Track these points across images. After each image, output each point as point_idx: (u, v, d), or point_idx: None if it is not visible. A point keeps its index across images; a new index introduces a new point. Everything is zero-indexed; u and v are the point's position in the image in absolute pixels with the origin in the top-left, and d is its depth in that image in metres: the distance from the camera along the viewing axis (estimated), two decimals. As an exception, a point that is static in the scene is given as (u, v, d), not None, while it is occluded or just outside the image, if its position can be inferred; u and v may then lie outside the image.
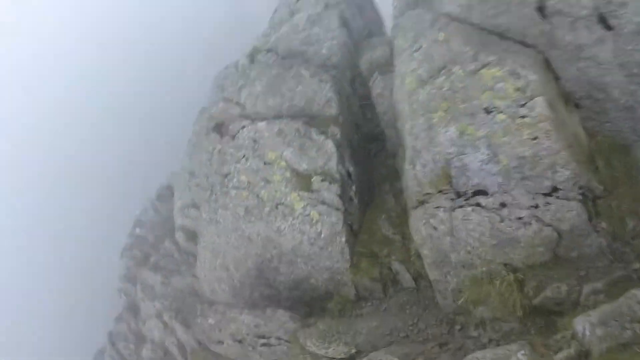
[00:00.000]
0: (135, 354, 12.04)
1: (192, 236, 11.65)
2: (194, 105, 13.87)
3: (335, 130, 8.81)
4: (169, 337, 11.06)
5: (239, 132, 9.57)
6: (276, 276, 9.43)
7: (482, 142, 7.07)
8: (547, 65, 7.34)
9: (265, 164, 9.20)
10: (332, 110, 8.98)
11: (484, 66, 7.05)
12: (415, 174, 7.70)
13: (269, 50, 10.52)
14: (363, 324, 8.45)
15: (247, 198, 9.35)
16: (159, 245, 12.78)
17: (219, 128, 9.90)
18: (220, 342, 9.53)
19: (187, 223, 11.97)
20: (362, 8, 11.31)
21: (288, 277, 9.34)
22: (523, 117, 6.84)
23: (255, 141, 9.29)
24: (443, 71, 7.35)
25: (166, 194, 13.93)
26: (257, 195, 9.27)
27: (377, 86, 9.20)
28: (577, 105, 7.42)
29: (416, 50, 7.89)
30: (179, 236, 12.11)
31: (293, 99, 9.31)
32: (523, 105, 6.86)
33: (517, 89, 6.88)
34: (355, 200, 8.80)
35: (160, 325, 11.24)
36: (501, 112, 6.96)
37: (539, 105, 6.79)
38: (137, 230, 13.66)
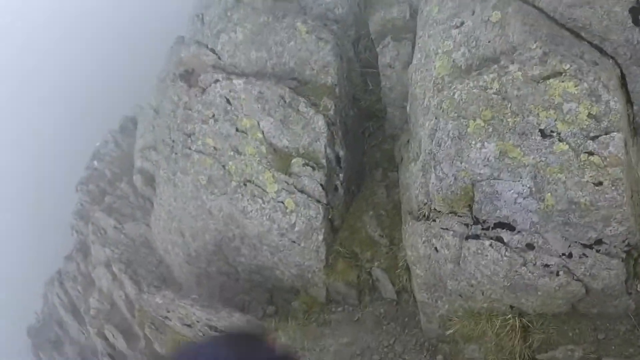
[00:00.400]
0: (83, 297, 9.68)
1: (151, 180, 9.00)
2: (172, 32, 10.60)
3: (329, 103, 6.08)
4: (117, 290, 8.73)
5: (210, 86, 6.72)
6: (236, 257, 7.06)
7: (527, 171, 4.60)
8: (622, 84, 4.69)
9: (237, 130, 6.49)
10: (329, 78, 6.20)
11: (555, 75, 4.38)
12: (426, 183, 5.20)
13: (259, -14, 7.37)
14: (332, 339, 6.22)
15: (212, 167, 6.70)
16: (115, 183, 10.11)
17: (188, 77, 7.04)
18: (168, 319, 7.15)
19: (146, 166, 9.23)
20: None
21: (250, 260, 6.98)
22: (590, 153, 4.40)
23: (228, 101, 6.49)
24: (494, 67, 4.60)
25: (129, 127, 11.03)
26: (224, 166, 6.63)
27: (387, 54, 6.38)
28: (643, 140, 4.92)
29: (456, 27, 5.10)
30: (137, 179, 9.40)
31: (282, 56, 6.46)
32: (594, 139, 4.34)
33: (592, 116, 4.28)
34: (341, 191, 6.28)
35: (109, 275, 8.87)
36: (563, 140, 4.39)
37: (615, 144, 4.33)
38: (95, 163, 10.84)
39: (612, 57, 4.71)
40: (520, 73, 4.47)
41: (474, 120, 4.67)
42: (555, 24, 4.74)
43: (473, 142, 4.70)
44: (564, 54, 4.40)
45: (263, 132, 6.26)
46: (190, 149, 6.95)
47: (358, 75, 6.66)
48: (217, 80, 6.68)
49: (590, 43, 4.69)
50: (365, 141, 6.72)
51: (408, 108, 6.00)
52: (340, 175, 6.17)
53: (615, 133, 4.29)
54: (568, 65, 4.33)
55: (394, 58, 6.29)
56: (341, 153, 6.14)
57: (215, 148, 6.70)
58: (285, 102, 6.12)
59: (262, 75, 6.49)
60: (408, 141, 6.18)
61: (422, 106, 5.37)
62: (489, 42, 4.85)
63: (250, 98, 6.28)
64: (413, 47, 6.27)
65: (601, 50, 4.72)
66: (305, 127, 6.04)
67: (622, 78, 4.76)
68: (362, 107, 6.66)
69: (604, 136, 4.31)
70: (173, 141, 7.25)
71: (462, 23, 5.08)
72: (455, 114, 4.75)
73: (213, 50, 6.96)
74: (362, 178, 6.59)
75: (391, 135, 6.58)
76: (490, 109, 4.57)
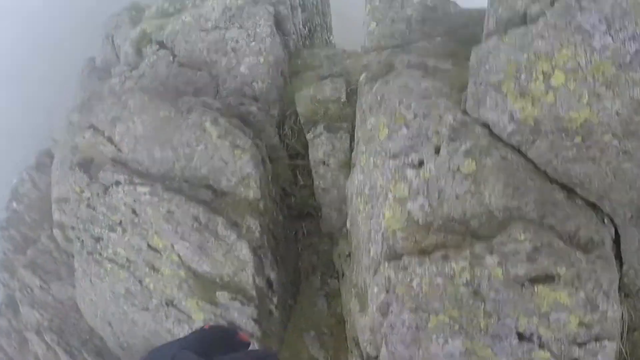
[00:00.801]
0: (20, 353, 7.81)
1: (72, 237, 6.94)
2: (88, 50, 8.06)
3: (252, 224, 4.30)
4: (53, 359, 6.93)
5: (112, 186, 4.69)
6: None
7: (500, 372, 3.10)
8: (616, 239, 3.23)
9: (149, 247, 4.59)
10: (250, 192, 4.34)
11: (545, 279, 2.87)
12: (375, 341, 3.74)
13: (162, 46, 5.15)
14: None
15: (127, 280, 4.86)
16: (36, 230, 7.96)
17: (87, 166, 4.96)
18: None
19: (65, 220, 7.12)
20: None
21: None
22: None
23: (134, 213, 4.55)
24: (466, 253, 2.99)
25: (46, 163, 8.61)
26: (140, 281, 4.80)
27: (319, 147, 4.54)
28: (626, 295, 3.55)
29: (413, 166, 3.37)
30: (57, 234, 7.31)
31: (191, 160, 4.48)
32: (581, 345, 2.91)
33: (582, 324, 2.82)
34: (276, 313, 4.67)
35: (43, 344, 7.02)
36: (544, 347, 2.96)
37: (605, 353, 2.90)
38: (14, 204, 8.48)
39: (608, 215, 3.22)
40: (500, 270, 2.90)
41: (437, 315, 3.14)
42: (546, 179, 3.12)
43: (434, 337, 3.19)
44: (559, 251, 2.83)
45: (179, 256, 4.47)
46: (101, 255, 5.06)
47: (286, 167, 4.81)
48: (119, 183, 4.69)
49: (585, 200, 3.14)
50: (299, 242, 5.01)
51: (349, 224, 4.33)
52: (274, 299, 4.53)
53: (606, 342, 2.89)
54: (564, 269, 2.78)
55: (328, 153, 4.48)
56: (272, 276, 4.47)
57: (128, 259, 4.86)
58: (200, 223, 4.29)
59: (169, 177, 4.54)
60: (349, 255, 4.58)
61: (367, 253, 3.74)
62: (457, 198, 3.18)
63: (158, 216, 4.39)
64: (351, 141, 4.47)
65: (594, 206, 3.20)
66: (227, 254, 4.29)
67: (616, 235, 3.30)
68: (292, 205, 4.87)
69: (594, 344, 2.90)
70: (82, 239, 5.29)
71: (422, 163, 3.34)
72: (413, 305, 3.18)
73: (110, 140, 4.85)
74: (298, 285, 4.98)
75: (328, 234, 4.91)
76: (459, 309, 3.03)
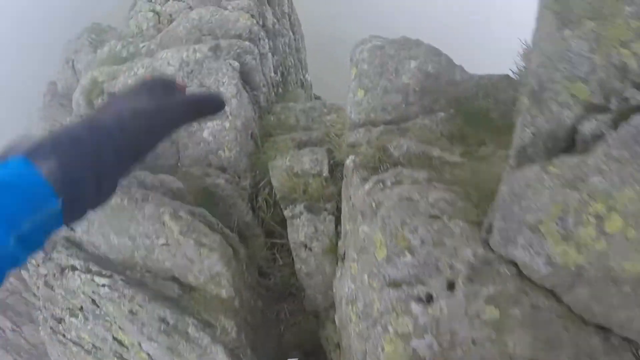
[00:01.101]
0: None
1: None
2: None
3: (228, 324, 3.44)
4: (30, 404, 6.15)
5: (67, 270, 3.73)
6: None
7: None
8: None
9: (115, 339, 3.70)
10: (222, 290, 3.44)
11: None
12: None
13: (115, 101, 4.03)
14: None
15: (94, 366, 3.98)
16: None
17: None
18: None
19: (30, 261, 6.12)
20: (277, 34, 4.57)
21: None
22: None
23: (95, 304, 3.65)
24: None
25: None
26: (108, 370, 3.92)
27: (299, 229, 3.63)
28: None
29: (419, 300, 2.51)
30: (25, 275, 6.31)
31: (152, 250, 3.53)
32: None
33: None
34: None
35: None
36: None
37: None
38: None
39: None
40: None
41: None
42: (581, 323, 2.32)
43: None
44: None
45: (148, 354, 3.60)
46: (64, 336, 4.16)
47: (262, 245, 3.89)
48: (75, 269, 3.74)
49: (621, 337, 2.38)
50: (282, 322, 4.16)
51: (338, 323, 3.50)
52: (257, 393, 3.75)
53: None
54: None
55: (310, 237, 3.58)
56: (254, 370, 3.66)
57: (94, 345, 3.97)
58: (168, 325, 3.41)
59: (130, 267, 3.61)
60: (338, 345, 3.78)
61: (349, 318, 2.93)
62: (474, 344, 2.34)
63: (120, 314, 3.49)
64: (337, 223, 3.58)
65: (628, 340, 2.45)
66: (201, 357, 3.44)
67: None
68: (272, 287, 3.98)
69: None
70: (44, 315, 4.36)
71: (431, 298, 2.47)
72: None
73: (62, 218, 3.87)
74: (283, 366, 4.18)
75: (314, 313, 4.08)
76: None
